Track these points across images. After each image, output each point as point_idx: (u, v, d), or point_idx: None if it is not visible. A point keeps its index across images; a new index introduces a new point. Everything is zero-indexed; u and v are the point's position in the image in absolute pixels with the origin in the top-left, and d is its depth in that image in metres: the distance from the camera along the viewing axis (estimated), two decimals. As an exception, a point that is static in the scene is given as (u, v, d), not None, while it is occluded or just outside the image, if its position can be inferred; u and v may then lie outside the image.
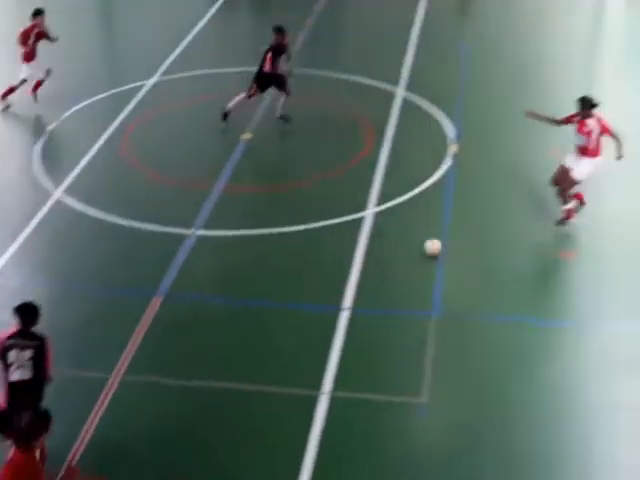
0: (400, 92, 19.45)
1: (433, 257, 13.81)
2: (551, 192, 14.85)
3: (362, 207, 15.17)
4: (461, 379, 11.64)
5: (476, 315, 12.76)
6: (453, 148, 17.08)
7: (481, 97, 19.28)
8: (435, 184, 15.92)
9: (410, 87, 19.66)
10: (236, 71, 20.03)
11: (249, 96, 17.78)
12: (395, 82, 19.88)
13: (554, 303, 13.27)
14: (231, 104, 17.83)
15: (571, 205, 14.73)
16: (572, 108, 14.39)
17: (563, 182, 14.60)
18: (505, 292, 13.31)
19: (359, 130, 17.89)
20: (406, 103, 18.99)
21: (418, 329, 12.43)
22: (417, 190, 15.67)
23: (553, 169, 14.72)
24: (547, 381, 11.62)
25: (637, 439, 10.71)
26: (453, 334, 12.39)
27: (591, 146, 14.33)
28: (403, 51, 21.66)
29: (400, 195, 15.50)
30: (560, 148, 15.33)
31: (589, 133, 14.27)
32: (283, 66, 17.72)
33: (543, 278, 14.06)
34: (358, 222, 14.79)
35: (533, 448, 10.50)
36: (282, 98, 17.84)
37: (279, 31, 17.55)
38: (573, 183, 14.55)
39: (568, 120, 14.56)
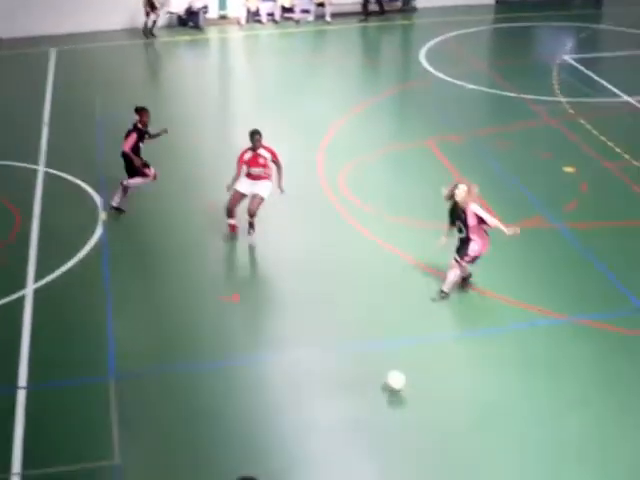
0: (42, 169, 19.34)
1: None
2: (207, 234, 15.60)
3: (22, 285, 14.93)
4: (150, 434, 11.75)
5: (153, 369, 12.95)
6: (102, 215, 17.21)
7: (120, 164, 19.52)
8: (91, 251, 15.97)
9: (51, 163, 19.60)
10: None
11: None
12: (35, 160, 19.76)
13: (227, 343, 13.66)
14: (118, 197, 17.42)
15: (234, 221, 16.25)
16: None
17: (254, 206, 15.99)
18: (179, 341, 13.60)
19: (6, 211, 17.55)
20: (50, 179, 18.92)
21: (99, 394, 12.41)
22: (74, 260, 15.65)
23: (204, 219, 15.33)
24: (236, 418, 11.98)
25: (339, 458, 11.38)
26: (134, 392, 12.50)
27: (266, 173, 16.00)
28: (38, 128, 21.62)
29: (58, 267, 15.41)
30: (214, 201, 16.53)
31: (265, 164, 15.93)
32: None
33: (214, 321, 14.35)
34: (20, 301, 14.54)
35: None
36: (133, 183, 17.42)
37: (142, 110, 17.03)
38: (260, 201, 16.03)
39: (240, 162, 15.97)
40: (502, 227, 14.17)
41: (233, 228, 16.43)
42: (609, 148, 20.09)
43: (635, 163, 19.28)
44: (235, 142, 18.44)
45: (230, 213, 16.34)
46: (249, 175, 16.10)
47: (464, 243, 14.42)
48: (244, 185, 16.15)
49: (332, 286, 15.04)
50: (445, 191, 14.43)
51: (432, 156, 19.80)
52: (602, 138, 20.57)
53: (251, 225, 16.13)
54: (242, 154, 16.07)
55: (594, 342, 13.54)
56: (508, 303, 14.52)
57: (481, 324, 14.17)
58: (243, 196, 16.20)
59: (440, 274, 14.94)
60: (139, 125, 17.01)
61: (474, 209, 14.21)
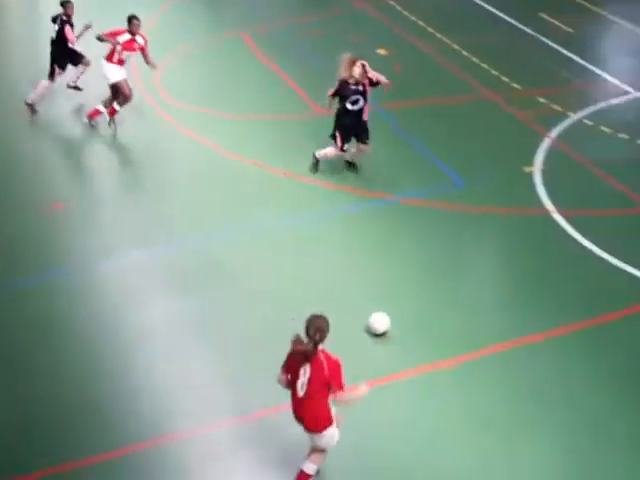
0: None
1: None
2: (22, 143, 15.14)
3: None
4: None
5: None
6: None
7: None
8: None
9: None
10: None
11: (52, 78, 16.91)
12: None
13: (60, 254, 13.19)
14: (35, 95, 16.82)
15: (102, 108, 16.18)
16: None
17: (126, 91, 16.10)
18: (6, 256, 13.03)
19: None
20: None
21: None
22: None
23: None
24: (77, 326, 11.60)
25: (170, 360, 11.24)
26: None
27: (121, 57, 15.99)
28: None
29: None
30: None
31: (141, 48, 15.99)
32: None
33: (42, 233, 13.73)
34: None
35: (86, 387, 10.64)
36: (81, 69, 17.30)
37: (67, 2, 16.68)
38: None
39: (112, 35, 15.81)
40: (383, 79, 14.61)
41: (112, 113, 16.27)
42: (420, 28, 20.29)
43: (446, 41, 19.55)
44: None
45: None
46: (119, 61, 15.94)
47: (360, 120, 14.61)
48: (121, 71, 16.10)
49: (156, 184, 14.76)
50: (357, 70, 14.46)
51: (245, 48, 19.53)
52: (413, 18, 20.75)
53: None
54: (117, 31, 15.79)
55: (419, 220, 13.81)
56: (334, 188, 14.60)
57: (308, 210, 14.16)
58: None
59: (255, 162, 14.93)
60: (65, 17, 16.74)
61: (371, 75, 14.49)
